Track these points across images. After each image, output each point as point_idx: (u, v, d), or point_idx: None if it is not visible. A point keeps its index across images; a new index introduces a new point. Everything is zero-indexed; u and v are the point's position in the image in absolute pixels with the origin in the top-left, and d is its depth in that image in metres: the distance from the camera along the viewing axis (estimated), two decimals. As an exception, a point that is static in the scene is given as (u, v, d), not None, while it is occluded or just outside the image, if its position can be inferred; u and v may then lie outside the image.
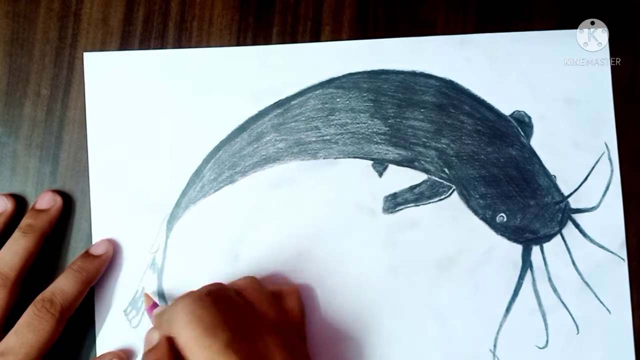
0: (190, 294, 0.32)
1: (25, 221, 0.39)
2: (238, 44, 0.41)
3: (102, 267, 0.39)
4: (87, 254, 0.39)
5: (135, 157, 0.41)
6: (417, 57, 0.41)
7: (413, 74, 0.41)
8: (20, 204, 0.41)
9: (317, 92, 0.41)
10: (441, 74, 0.41)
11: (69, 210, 0.41)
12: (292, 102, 0.41)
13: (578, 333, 0.40)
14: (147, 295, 0.38)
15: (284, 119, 0.41)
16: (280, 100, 0.41)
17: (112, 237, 0.40)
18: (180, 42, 0.41)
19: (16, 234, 0.38)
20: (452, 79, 0.41)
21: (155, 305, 0.38)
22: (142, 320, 0.40)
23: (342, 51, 0.41)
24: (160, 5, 0.42)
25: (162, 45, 0.41)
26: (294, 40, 0.42)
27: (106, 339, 0.40)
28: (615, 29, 0.42)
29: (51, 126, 0.41)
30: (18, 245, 0.38)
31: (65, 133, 0.41)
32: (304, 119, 0.41)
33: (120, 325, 0.40)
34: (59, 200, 0.40)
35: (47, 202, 0.40)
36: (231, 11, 0.42)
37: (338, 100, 0.41)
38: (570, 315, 0.40)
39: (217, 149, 0.41)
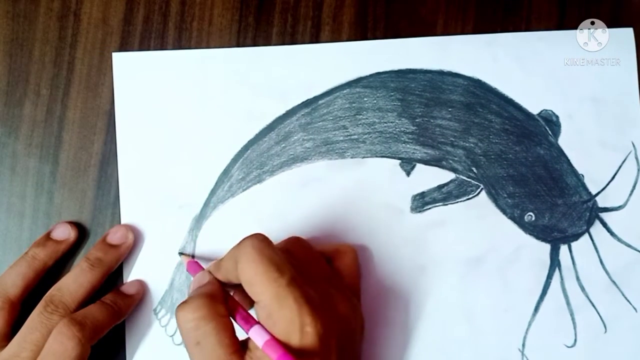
0: (254, 235, 0.33)
1: (95, 254, 0.38)
2: (238, 44, 0.41)
3: (133, 305, 0.39)
4: (118, 291, 0.39)
5: (163, 158, 0.41)
6: (444, 56, 0.41)
7: (440, 73, 0.41)
8: (21, 204, 0.41)
9: (345, 91, 0.41)
10: (469, 73, 0.41)
11: (75, 210, 0.41)
12: (320, 102, 0.41)
13: (606, 332, 0.40)
14: (184, 256, 0.39)
15: (311, 119, 0.41)
16: (307, 99, 0.41)
17: (141, 237, 0.40)
18: (180, 42, 0.41)
19: (84, 265, 0.38)
20: (480, 78, 0.41)
21: (195, 262, 0.38)
22: (172, 319, 0.40)
23: (370, 50, 0.41)
24: (160, 5, 0.42)
25: (162, 46, 0.41)
26: (293, 40, 0.42)
27: (135, 338, 0.40)
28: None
29: (51, 126, 0.41)
30: (84, 278, 0.37)
31: (65, 133, 0.41)
32: (331, 118, 0.41)
33: (150, 323, 0.40)
34: (130, 237, 0.39)
35: (119, 237, 0.39)
36: (231, 11, 0.42)
37: (365, 99, 0.41)
38: (598, 314, 0.40)
39: (245, 148, 0.41)
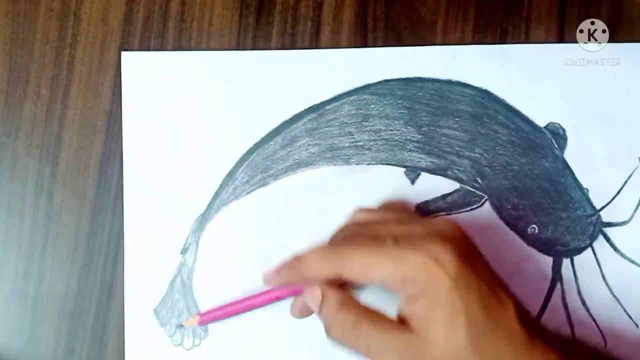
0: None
1: None
2: (238, 44, 0.41)
3: None
4: None
5: (168, 158, 0.41)
6: (453, 66, 0.41)
7: (449, 82, 0.41)
8: (21, 204, 0.40)
9: (352, 97, 0.41)
10: (477, 83, 0.41)
11: (75, 210, 0.40)
12: (327, 107, 0.41)
13: (606, 347, 0.40)
14: (194, 315, 0.39)
15: (317, 124, 0.41)
16: (314, 105, 0.41)
17: (144, 237, 0.40)
18: (180, 43, 0.41)
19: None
20: (488, 88, 0.41)
21: (200, 313, 0.39)
22: (172, 319, 0.40)
23: (378, 58, 0.41)
24: (160, 5, 0.42)
25: (162, 46, 0.41)
26: (293, 40, 0.41)
27: (135, 338, 0.39)
28: (615, 29, 0.42)
29: (51, 126, 0.41)
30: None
31: (65, 133, 0.41)
32: (337, 124, 0.41)
33: (150, 323, 0.40)
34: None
35: None
36: (231, 11, 0.42)
37: (372, 106, 0.41)
38: (599, 329, 0.40)
39: (251, 151, 0.41)
